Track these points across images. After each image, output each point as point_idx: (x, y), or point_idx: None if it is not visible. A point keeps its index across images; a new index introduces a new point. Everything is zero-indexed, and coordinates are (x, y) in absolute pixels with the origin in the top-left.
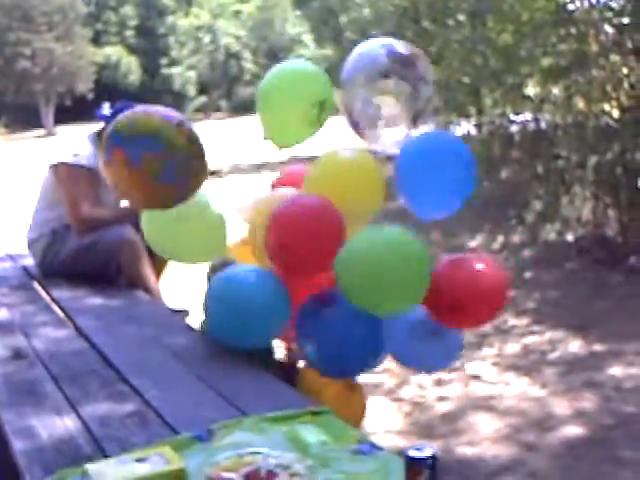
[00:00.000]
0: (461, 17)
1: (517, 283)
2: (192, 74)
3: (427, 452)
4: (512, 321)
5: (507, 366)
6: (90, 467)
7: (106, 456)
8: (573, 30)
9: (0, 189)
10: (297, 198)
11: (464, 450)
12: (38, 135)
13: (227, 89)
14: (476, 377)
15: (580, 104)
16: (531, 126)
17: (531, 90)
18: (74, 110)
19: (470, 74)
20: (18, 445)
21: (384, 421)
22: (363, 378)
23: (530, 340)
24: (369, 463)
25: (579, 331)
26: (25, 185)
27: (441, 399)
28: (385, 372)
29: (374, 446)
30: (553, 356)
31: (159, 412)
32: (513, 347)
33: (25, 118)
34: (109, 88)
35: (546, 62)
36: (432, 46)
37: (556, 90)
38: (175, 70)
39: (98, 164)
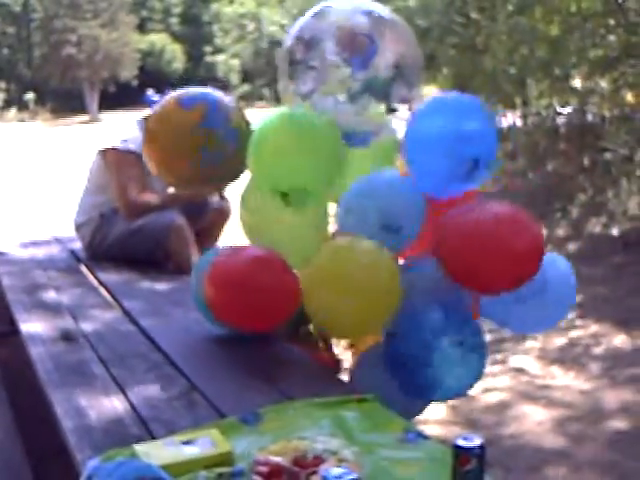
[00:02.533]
0: (509, 7)
1: None
2: (236, 62)
3: (475, 442)
4: None
5: (551, 359)
6: (138, 448)
7: (153, 438)
8: (622, 20)
9: (47, 173)
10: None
11: (508, 441)
12: (83, 121)
13: (270, 78)
14: (520, 370)
15: (628, 96)
16: (577, 118)
17: (578, 82)
18: (118, 96)
19: (516, 65)
20: (68, 425)
21: (429, 411)
22: None
23: (574, 334)
24: (415, 451)
25: (623, 326)
26: (71, 169)
27: (485, 391)
28: None
29: (420, 435)
30: (597, 350)
31: (206, 395)
32: (557, 341)
33: (70, 104)
34: (153, 75)
35: (594, 54)
36: (479, 36)
37: (603, 82)
38: (219, 58)
39: None
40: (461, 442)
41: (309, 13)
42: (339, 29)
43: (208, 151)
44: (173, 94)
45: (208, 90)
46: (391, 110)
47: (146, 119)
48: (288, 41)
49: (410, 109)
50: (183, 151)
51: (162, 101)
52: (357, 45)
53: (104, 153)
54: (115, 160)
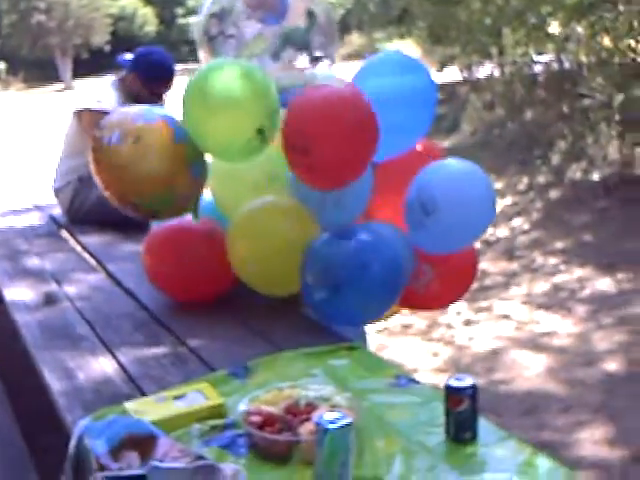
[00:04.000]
0: None
1: (545, 223)
2: None
3: (467, 382)
4: (540, 260)
5: (537, 305)
6: (129, 405)
7: (144, 394)
8: None
9: (24, 143)
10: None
11: (497, 387)
12: (56, 89)
13: None
14: (506, 316)
15: (605, 41)
16: (555, 66)
17: (554, 29)
18: (91, 63)
19: (492, 15)
20: (56, 386)
21: (418, 360)
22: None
23: (559, 279)
24: (407, 395)
25: (608, 269)
26: (47, 137)
27: (472, 338)
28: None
29: (411, 379)
30: (582, 294)
31: (195, 350)
32: (542, 286)
33: (43, 72)
34: (125, 40)
35: (570, 0)
36: None
37: (580, 28)
38: (192, 20)
39: None
40: (453, 382)
41: None
42: None
43: None
44: None
45: None
46: (315, 59)
47: (121, 79)
48: (201, 19)
49: (331, 63)
50: None
51: None
52: (267, 3)
53: (79, 114)
54: (91, 121)
